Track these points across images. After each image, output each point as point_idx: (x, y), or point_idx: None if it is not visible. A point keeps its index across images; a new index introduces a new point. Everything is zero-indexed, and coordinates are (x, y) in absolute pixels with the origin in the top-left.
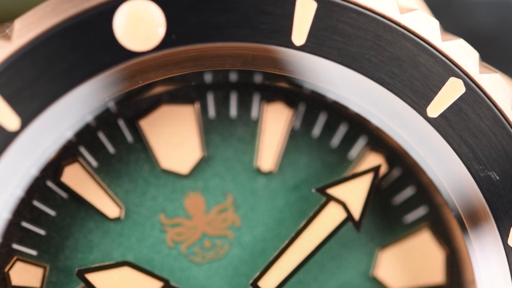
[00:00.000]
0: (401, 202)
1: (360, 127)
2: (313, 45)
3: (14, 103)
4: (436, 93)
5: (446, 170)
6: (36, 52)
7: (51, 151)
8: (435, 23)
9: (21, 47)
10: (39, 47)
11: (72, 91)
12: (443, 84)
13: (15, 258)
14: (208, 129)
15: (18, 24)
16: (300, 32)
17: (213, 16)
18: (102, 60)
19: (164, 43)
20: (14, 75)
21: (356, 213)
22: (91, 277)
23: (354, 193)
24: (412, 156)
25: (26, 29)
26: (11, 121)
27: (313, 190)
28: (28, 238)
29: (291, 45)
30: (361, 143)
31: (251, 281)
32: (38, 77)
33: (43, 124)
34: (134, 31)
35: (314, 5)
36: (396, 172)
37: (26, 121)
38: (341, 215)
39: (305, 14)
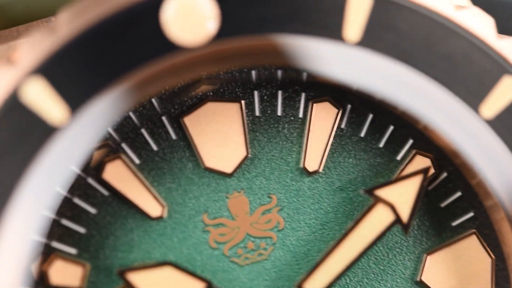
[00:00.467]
0: (449, 205)
1: (408, 128)
2: (365, 41)
3: (62, 94)
4: (489, 92)
5: (499, 171)
6: (80, 43)
7: (93, 147)
8: (490, 20)
9: (66, 38)
10: (84, 39)
11: (116, 85)
12: (497, 82)
13: (54, 256)
14: (254, 128)
15: (64, 15)
16: (353, 28)
17: (263, 9)
18: (148, 53)
19: (213, 38)
20: (59, 66)
21: (405, 215)
22: (132, 276)
23: (402, 195)
24: (462, 156)
25: (72, 20)
26: (58, 114)
27: (361, 192)
28: (68, 236)
29: (342, 41)
30: (408, 144)
31: (296, 283)
32: (82, 69)
33: (86, 119)
34: (183, 24)
35: (368, 1)
36: (444, 175)
37: (71, 115)
38: (389, 217)
39: (358, 9)
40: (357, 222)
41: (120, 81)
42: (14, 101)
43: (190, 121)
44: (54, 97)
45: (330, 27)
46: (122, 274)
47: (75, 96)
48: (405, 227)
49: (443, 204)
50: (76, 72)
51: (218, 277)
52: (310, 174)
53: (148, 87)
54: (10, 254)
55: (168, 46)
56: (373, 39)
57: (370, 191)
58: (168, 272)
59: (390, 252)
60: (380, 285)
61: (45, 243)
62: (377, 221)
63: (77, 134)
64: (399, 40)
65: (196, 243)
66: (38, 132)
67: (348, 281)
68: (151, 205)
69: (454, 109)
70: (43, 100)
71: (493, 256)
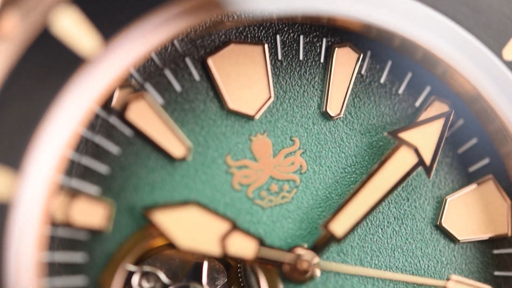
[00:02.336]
0: (465, 151)
1: (426, 75)
2: None
3: (95, 23)
4: None
5: None
6: None
7: (117, 87)
8: None
9: None
10: None
11: (147, 18)
12: None
13: (77, 195)
14: (276, 72)
15: None
16: None
17: None
18: None
19: None
20: None
21: (428, 158)
22: (157, 216)
23: (425, 139)
24: (480, 102)
25: None
26: (89, 44)
27: (385, 134)
28: (91, 176)
29: None
30: (427, 90)
31: (322, 223)
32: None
33: (115, 51)
34: None
35: None
36: (461, 122)
37: (102, 45)
38: (412, 159)
39: None
40: (381, 164)
41: (152, 13)
42: (46, 31)
43: (214, 62)
44: (87, 26)
45: None
46: (147, 213)
47: (107, 26)
48: (428, 170)
49: (460, 151)
50: (109, 1)
51: (241, 219)
52: (331, 118)
53: (171, 25)
54: (34, 192)
55: None
56: None
57: (393, 133)
58: (193, 212)
59: (410, 196)
60: (400, 229)
61: (67, 182)
62: (400, 163)
63: (105, 67)
64: None
65: (219, 185)
66: (68, 63)
67: (369, 225)
68: (174, 146)
69: (477, 51)
70: (75, 29)
71: (509, 201)
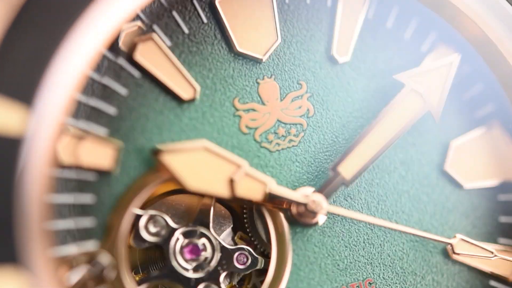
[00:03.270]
0: (472, 97)
1: (434, 20)
2: None
3: None
4: None
5: None
6: None
7: (124, 28)
8: None
9: None
10: None
11: None
12: None
13: (85, 136)
14: (284, 15)
15: None
16: None
17: None
18: None
19: None
20: None
21: (434, 102)
22: (166, 157)
23: (432, 83)
24: (491, 44)
25: None
26: None
27: (391, 78)
28: (99, 117)
29: None
30: (434, 36)
31: (330, 166)
32: None
33: None
34: None
35: None
36: (467, 67)
37: None
38: (419, 103)
39: None
40: (388, 108)
41: None
42: None
43: (223, 4)
44: None
45: None
46: (155, 155)
47: None
48: (435, 114)
49: (467, 96)
50: None
51: (249, 162)
52: (338, 62)
53: None
54: (43, 129)
55: None
56: None
57: (400, 77)
58: (201, 153)
59: (416, 141)
60: (406, 174)
61: (75, 122)
62: (407, 107)
63: (112, 8)
64: None
65: (227, 127)
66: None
67: (376, 170)
68: (182, 87)
69: None
70: None
71: None
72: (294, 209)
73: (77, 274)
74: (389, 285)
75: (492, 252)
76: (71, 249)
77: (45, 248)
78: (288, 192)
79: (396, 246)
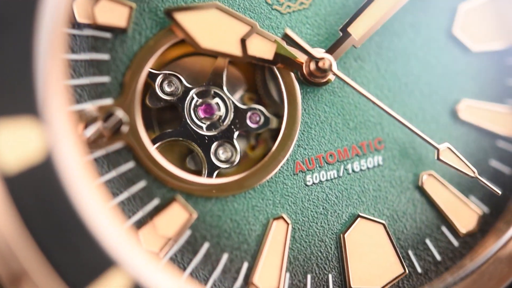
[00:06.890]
0: None
1: None
2: None
3: None
4: None
5: None
6: None
7: None
8: None
9: None
10: None
11: None
12: None
13: None
14: None
15: None
16: None
17: None
18: None
19: None
20: None
21: None
22: (179, 16)
23: None
24: None
25: None
26: None
27: None
28: None
29: None
30: None
31: (341, 27)
32: None
33: None
34: None
35: None
36: None
37: None
38: None
39: None
40: None
41: None
42: None
43: None
44: None
45: None
46: (168, 13)
47: None
48: None
49: None
50: None
51: (261, 23)
52: None
53: None
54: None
55: None
56: None
57: None
58: (214, 13)
59: (425, 4)
60: (415, 37)
61: None
62: None
63: None
64: None
65: None
66: None
67: (385, 33)
68: None
69: None
70: None
71: None
72: (305, 69)
73: (93, 127)
74: (399, 144)
75: None
76: (87, 105)
77: (64, 102)
78: (302, 41)
79: (405, 107)
